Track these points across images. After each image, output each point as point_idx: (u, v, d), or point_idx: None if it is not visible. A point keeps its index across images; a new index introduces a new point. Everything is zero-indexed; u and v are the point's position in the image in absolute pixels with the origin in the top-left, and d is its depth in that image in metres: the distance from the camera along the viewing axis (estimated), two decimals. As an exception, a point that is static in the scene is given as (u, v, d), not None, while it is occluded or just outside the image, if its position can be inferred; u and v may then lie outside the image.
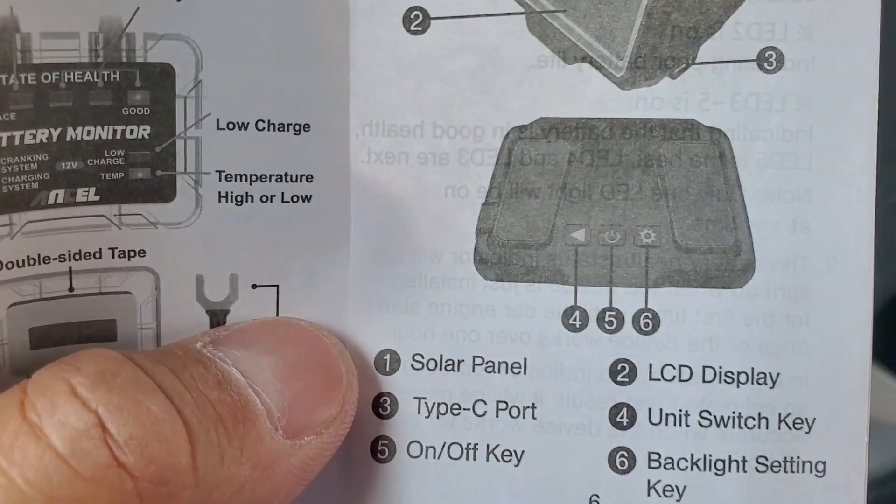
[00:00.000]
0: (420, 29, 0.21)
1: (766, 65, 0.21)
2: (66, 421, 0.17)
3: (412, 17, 0.21)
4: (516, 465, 0.21)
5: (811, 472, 0.21)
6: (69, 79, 0.19)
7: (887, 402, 0.41)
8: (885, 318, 0.43)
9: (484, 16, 0.21)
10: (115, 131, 0.20)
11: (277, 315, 0.21)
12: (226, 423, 0.18)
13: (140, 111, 0.20)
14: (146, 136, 0.20)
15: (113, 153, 0.20)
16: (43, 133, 0.19)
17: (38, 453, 0.16)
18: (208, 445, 0.18)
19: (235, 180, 0.21)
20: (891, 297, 0.44)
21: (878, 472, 0.40)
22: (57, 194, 0.19)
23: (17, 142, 0.19)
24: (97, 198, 0.20)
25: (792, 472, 0.21)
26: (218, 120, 0.20)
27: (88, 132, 0.19)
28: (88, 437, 0.16)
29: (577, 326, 0.21)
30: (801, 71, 0.21)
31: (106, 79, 0.19)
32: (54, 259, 0.20)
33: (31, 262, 0.20)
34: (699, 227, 0.21)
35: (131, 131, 0.20)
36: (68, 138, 0.19)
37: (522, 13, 0.21)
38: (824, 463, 0.21)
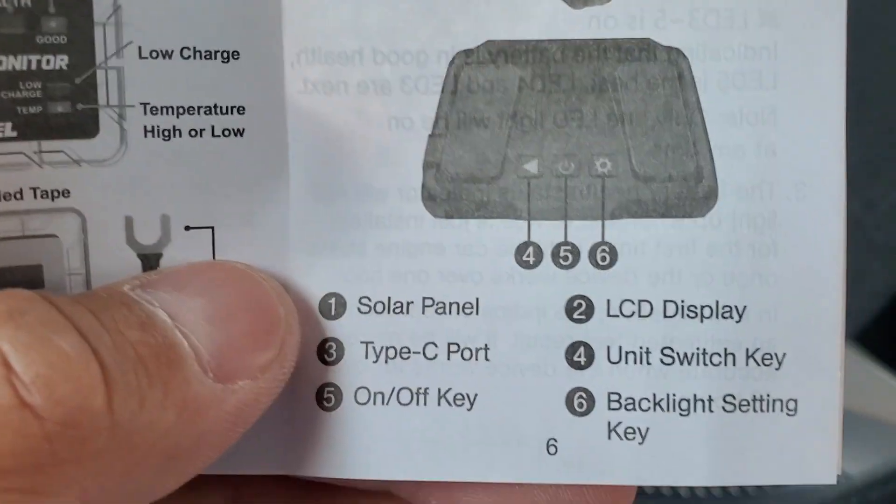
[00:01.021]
0: (355, -53, 0.20)
1: None
2: (-33, 360, 0.16)
3: (346, -66, 0.20)
4: (469, 409, 0.21)
5: (782, 410, 0.20)
6: (-25, 4, 0.18)
7: (887, 402, 0.42)
8: (886, 318, 0.44)
9: None
10: (29, 61, 0.19)
11: (214, 258, 0.21)
12: (148, 366, 0.17)
13: (56, 39, 0.19)
14: (64, 67, 0.19)
15: (29, 85, 0.19)
16: (-50, 63, 0.18)
17: (-64, 394, 0.15)
18: (126, 387, 0.17)
19: (161, 113, 0.20)
20: (891, 297, 0.45)
21: (879, 472, 0.41)
22: (-31, 130, 0.19)
23: None
24: (14, 133, 0.19)
25: (762, 410, 0.20)
26: (140, 48, 0.20)
27: (0, 62, 0.19)
28: (-9, 376, 0.16)
29: (531, 263, 0.21)
30: None
31: (16, 4, 0.19)
32: None
33: None
34: (658, 154, 0.20)
35: (48, 61, 0.19)
36: None
37: (464, -72, 0.20)
38: (796, 401, 0.20)
